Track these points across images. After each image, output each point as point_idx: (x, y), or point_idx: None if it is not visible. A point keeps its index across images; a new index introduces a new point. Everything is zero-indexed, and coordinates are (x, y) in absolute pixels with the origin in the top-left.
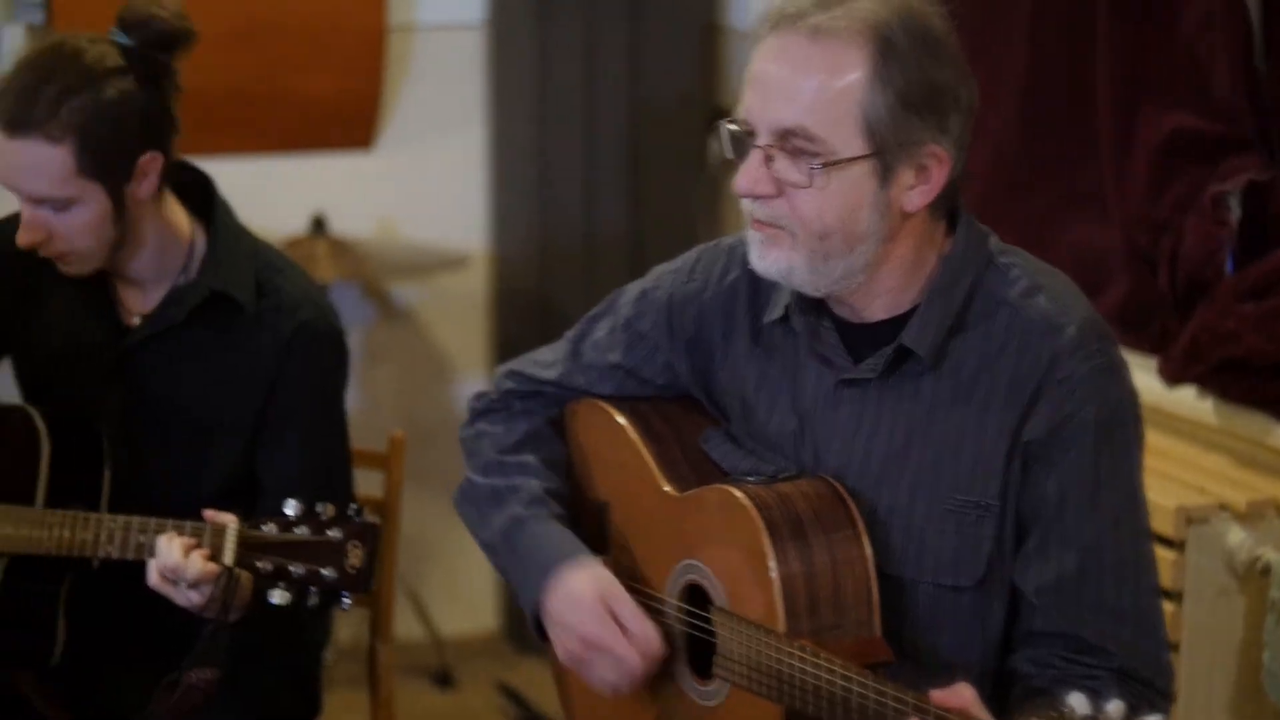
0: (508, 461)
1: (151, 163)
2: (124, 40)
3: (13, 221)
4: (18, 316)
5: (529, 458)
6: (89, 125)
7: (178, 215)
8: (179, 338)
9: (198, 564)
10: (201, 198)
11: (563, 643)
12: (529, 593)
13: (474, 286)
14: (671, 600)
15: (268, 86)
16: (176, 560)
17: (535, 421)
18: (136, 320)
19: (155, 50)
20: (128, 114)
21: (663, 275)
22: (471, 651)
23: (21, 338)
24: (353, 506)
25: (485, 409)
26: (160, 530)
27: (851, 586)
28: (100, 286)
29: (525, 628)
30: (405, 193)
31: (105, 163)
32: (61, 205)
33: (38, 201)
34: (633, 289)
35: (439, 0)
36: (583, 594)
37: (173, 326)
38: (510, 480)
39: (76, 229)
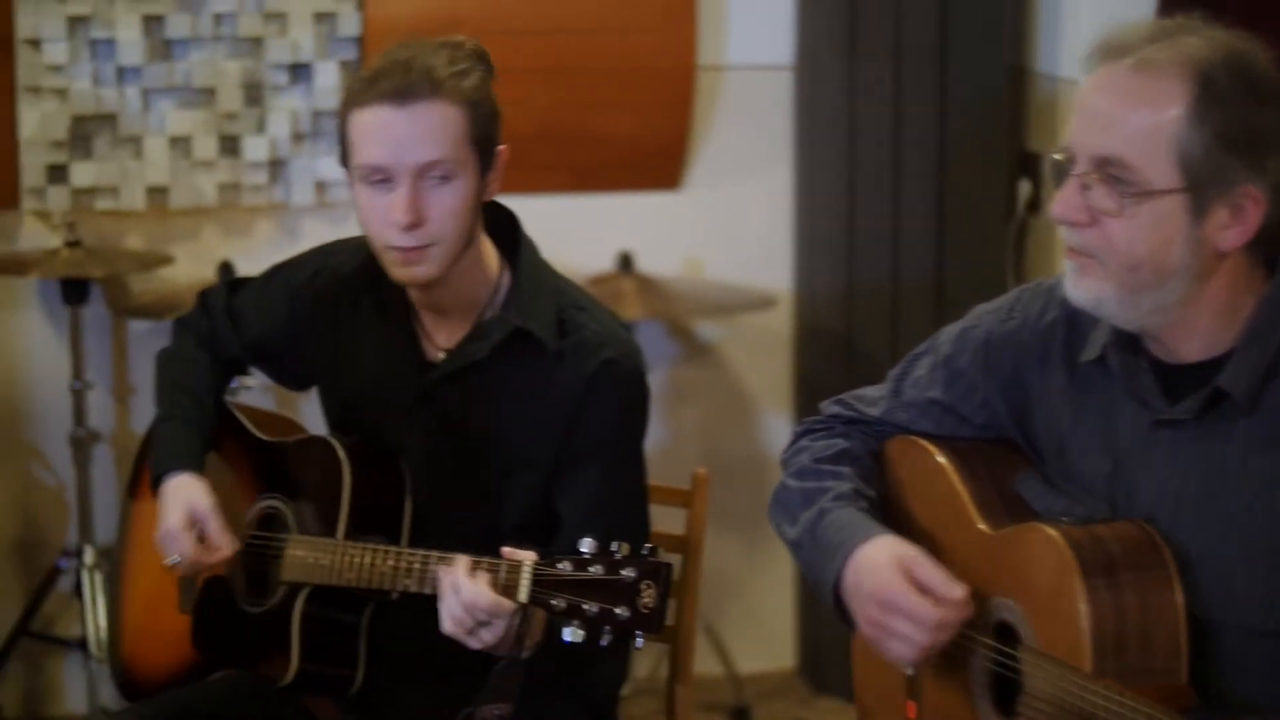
0: (823, 468)
1: (501, 158)
2: None
3: (341, 251)
4: (327, 349)
5: (844, 468)
6: (477, 97)
7: (487, 250)
8: (482, 373)
9: (487, 593)
10: (508, 235)
11: (862, 612)
12: (828, 573)
13: (779, 326)
14: (981, 637)
15: (577, 125)
16: (459, 579)
17: (855, 444)
18: (440, 355)
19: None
20: (492, 102)
21: (982, 314)
22: (768, 689)
23: (331, 370)
24: (647, 546)
25: (808, 429)
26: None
27: (1161, 631)
28: (405, 321)
29: (823, 666)
30: (711, 232)
31: (484, 138)
32: (447, 173)
33: (424, 170)
34: (953, 328)
35: (748, 41)
36: (879, 559)
37: (476, 362)
38: (822, 483)
39: (449, 209)
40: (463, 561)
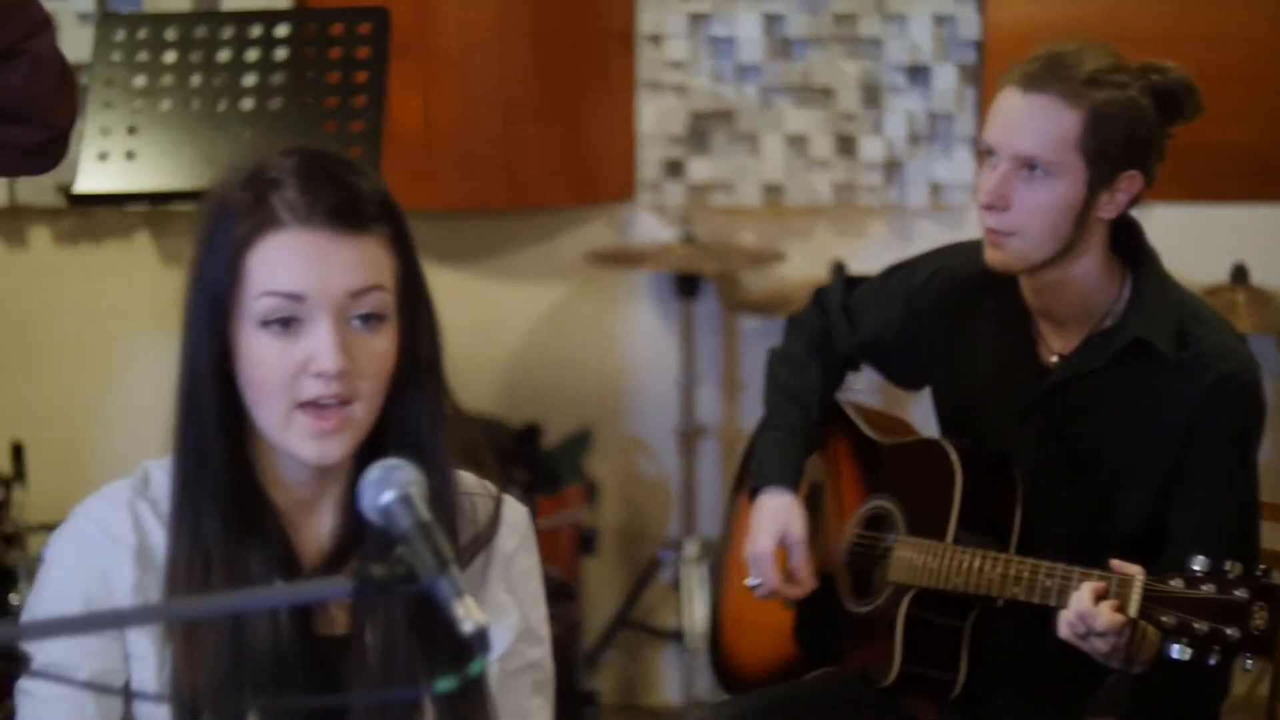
0: None
1: (1130, 182)
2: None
3: (960, 253)
4: (942, 351)
5: None
6: (1108, 110)
7: (1107, 260)
8: (1097, 382)
9: (1106, 614)
10: (1131, 245)
11: None
12: None
13: None
14: None
15: (1193, 134)
16: (1086, 606)
17: None
18: (1055, 361)
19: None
20: (1137, 123)
21: None
22: None
23: (946, 371)
24: (1260, 567)
25: None
26: (1067, 577)
27: None
28: (1023, 326)
29: None
30: None
31: (1101, 151)
32: (1043, 173)
33: (1021, 160)
34: None
35: None
36: None
37: (1092, 370)
38: None
39: (1037, 205)
40: (1073, 577)
